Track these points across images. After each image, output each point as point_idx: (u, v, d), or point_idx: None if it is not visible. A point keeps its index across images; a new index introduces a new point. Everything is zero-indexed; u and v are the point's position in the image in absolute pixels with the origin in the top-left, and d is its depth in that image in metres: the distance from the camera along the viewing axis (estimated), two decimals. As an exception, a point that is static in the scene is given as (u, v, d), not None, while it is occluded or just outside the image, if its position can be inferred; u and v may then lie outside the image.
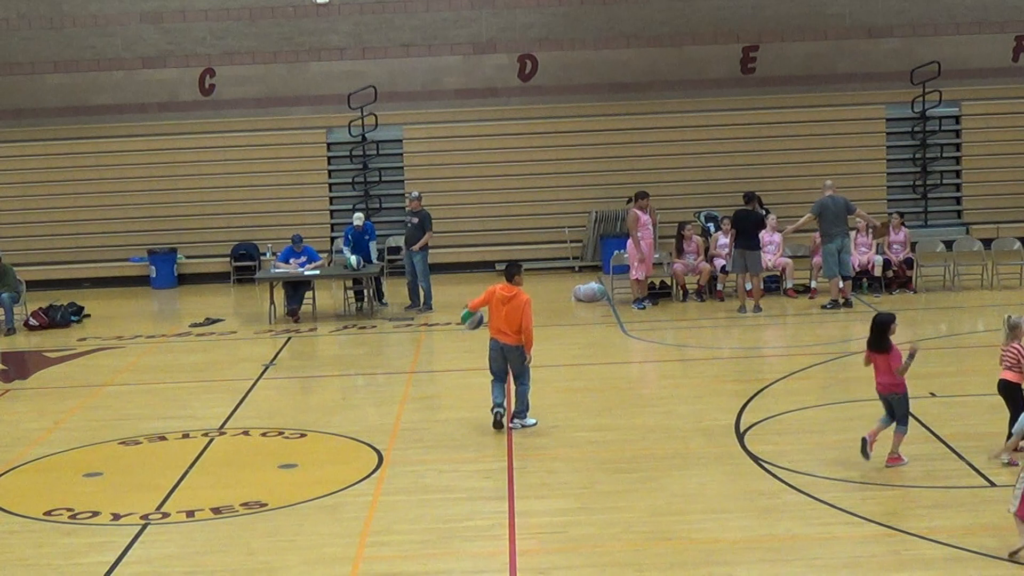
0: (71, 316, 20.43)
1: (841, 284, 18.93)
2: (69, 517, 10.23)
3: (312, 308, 20.21)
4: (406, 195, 23.54)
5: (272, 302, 19.89)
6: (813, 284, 20.22)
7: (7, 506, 10.62)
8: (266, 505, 10.32)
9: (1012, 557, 8.46)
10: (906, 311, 18.73)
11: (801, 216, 19.68)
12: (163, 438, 12.74)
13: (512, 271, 12.76)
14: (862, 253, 20.21)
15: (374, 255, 20.74)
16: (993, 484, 10.15)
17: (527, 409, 12.65)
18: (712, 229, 22.17)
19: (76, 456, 12.21)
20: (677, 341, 17.64)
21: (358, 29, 25.80)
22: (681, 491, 10.31)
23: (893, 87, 25.54)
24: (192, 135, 25.74)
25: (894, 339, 10.91)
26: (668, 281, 20.71)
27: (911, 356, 10.56)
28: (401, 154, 25.82)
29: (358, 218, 20.53)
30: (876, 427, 10.85)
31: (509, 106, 25.85)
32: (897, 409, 10.76)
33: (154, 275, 24.64)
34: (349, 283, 20.56)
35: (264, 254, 24.66)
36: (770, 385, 14.06)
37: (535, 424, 12.57)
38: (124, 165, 25.60)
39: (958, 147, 25.98)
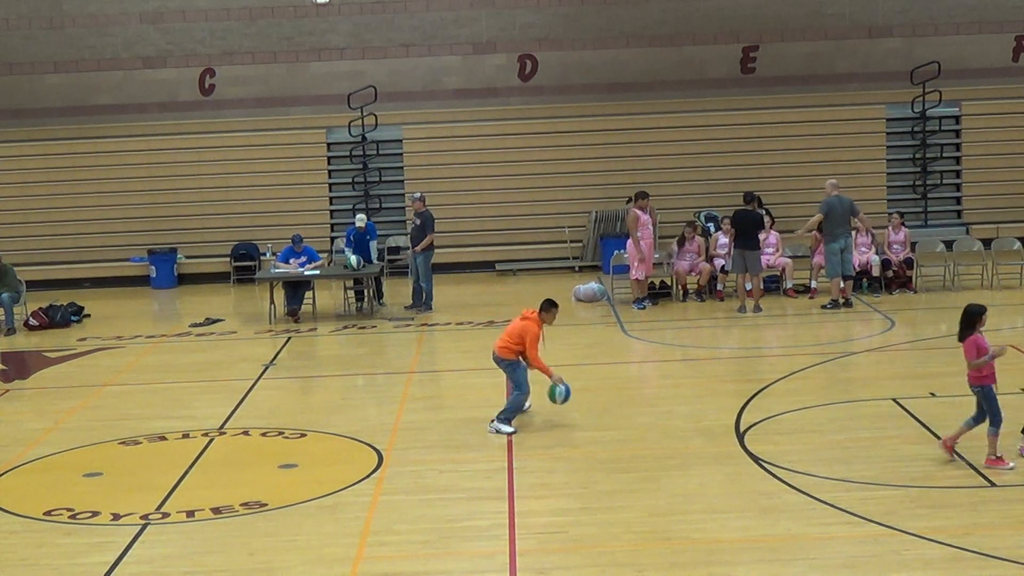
0: (71, 316, 20.42)
1: (842, 284, 18.94)
2: (69, 517, 10.23)
3: (312, 308, 20.21)
4: (408, 196, 23.59)
5: (272, 302, 19.89)
6: (813, 284, 20.22)
7: (7, 506, 10.61)
8: (266, 505, 10.32)
9: None
10: (906, 311, 18.77)
11: (802, 216, 19.72)
12: (163, 438, 12.74)
13: (544, 304, 12.64)
14: (861, 253, 20.21)
15: (374, 255, 20.73)
16: (993, 484, 10.15)
17: (507, 416, 12.35)
18: (712, 229, 22.17)
19: (76, 456, 12.21)
20: (677, 341, 17.63)
21: (358, 29, 25.81)
22: (681, 491, 10.30)
23: (893, 87, 25.55)
24: (192, 135, 25.75)
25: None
26: (668, 281, 20.72)
27: (992, 354, 10.45)
28: (401, 154, 25.82)
29: (360, 219, 20.50)
30: (958, 429, 10.69)
31: (509, 106, 25.85)
32: (982, 403, 10.53)
33: (154, 275, 24.65)
34: (349, 283, 20.56)
35: (264, 254, 24.66)
36: (770, 385, 14.05)
37: (511, 433, 12.17)
38: (124, 165, 25.61)
39: (958, 147, 25.98)
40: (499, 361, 12.60)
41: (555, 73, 25.86)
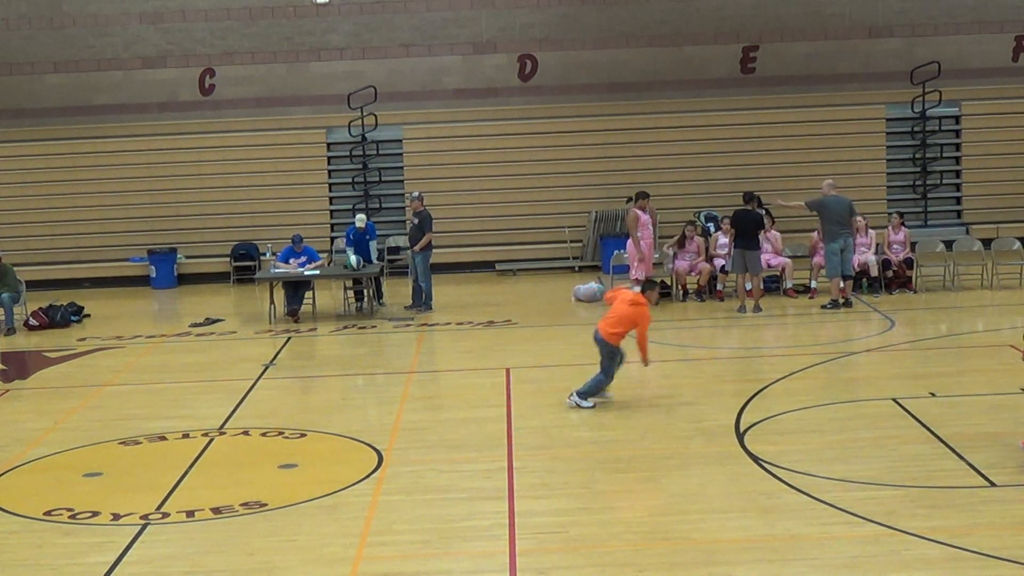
0: (71, 316, 20.42)
1: (842, 284, 18.93)
2: (69, 517, 10.22)
3: (312, 308, 20.20)
4: (406, 195, 23.60)
5: (272, 302, 19.89)
6: (813, 284, 20.23)
7: (7, 506, 10.60)
8: (266, 505, 10.31)
9: None
10: (906, 311, 18.75)
11: (802, 216, 19.74)
12: (163, 438, 12.74)
13: (646, 286, 13.88)
14: (861, 253, 20.21)
15: (374, 255, 20.73)
16: (993, 484, 10.15)
17: (587, 393, 13.06)
18: (712, 229, 22.17)
19: (76, 456, 12.20)
20: (677, 341, 17.62)
21: (358, 29, 25.81)
22: (681, 491, 10.30)
23: (893, 87, 25.55)
24: (192, 135, 25.75)
25: None
26: (668, 281, 20.72)
27: None
28: (401, 154, 25.83)
29: (360, 220, 20.50)
30: None
31: (509, 106, 25.85)
32: None
33: (154, 275, 24.64)
34: (349, 283, 20.56)
35: (264, 254, 24.66)
36: (770, 385, 14.05)
37: (591, 407, 12.95)
38: (124, 165, 25.62)
39: (958, 147, 25.99)
40: (603, 344, 13.14)
41: (555, 73, 25.86)
